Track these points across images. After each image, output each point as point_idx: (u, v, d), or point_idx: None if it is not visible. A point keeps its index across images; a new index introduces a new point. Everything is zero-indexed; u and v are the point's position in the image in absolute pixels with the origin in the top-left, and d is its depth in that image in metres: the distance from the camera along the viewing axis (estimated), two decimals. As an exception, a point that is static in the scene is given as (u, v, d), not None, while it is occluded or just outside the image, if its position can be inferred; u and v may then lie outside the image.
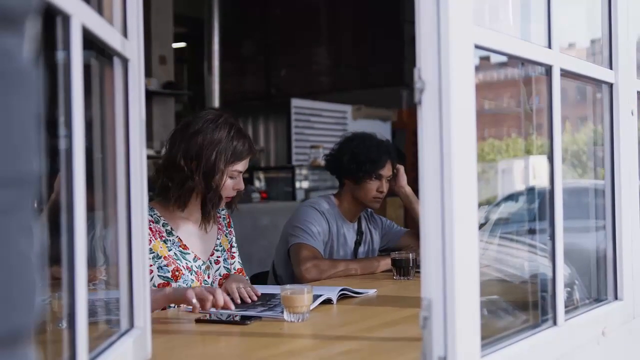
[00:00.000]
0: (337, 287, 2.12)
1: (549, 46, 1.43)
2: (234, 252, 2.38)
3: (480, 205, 1.17)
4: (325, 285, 2.35)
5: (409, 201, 2.98)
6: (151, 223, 2.14)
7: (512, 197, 2.05)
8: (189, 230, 2.23)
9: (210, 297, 1.83)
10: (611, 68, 1.73)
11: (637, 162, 1.80)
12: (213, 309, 1.89)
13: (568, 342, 1.47)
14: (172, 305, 2.10)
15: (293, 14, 8.88)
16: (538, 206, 1.64)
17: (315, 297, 1.92)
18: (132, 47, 1.28)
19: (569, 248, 1.48)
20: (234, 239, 2.40)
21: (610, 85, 1.73)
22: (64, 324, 1.01)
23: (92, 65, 1.20)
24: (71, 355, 0.92)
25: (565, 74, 1.48)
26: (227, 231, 2.37)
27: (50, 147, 0.90)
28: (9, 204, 0.57)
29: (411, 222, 3.13)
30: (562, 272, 1.44)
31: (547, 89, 1.43)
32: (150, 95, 6.61)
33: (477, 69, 1.15)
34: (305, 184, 6.81)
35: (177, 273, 2.12)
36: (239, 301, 1.96)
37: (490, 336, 1.22)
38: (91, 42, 1.05)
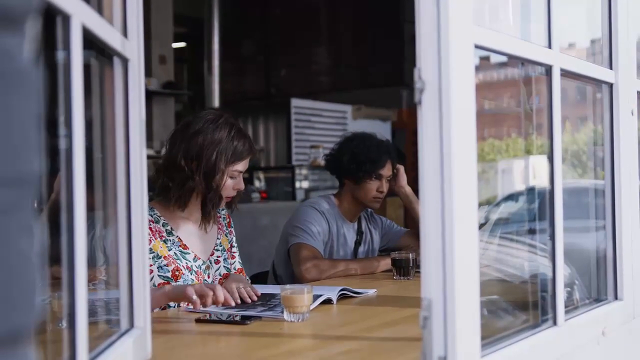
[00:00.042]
0: (337, 287, 2.12)
1: (549, 46, 1.43)
2: (234, 252, 2.38)
3: (480, 205, 1.17)
4: (325, 285, 2.35)
5: (409, 201, 2.98)
6: (151, 223, 2.14)
7: (512, 197, 2.05)
8: (189, 230, 2.23)
9: (211, 293, 1.83)
10: (611, 68, 1.73)
11: (637, 162, 1.80)
12: (213, 308, 1.90)
13: (568, 342, 1.47)
14: (172, 305, 2.10)
15: (293, 14, 8.88)
16: (538, 206, 1.64)
17: (315, 297, 1.92)
18: (132, 47, 1.28)
19: (569, 248, 1.48)
20: (234, 238, 2.40)
21: (610, 85, 1.73)
22: (64, 324, 1.01)
23: (92, 65, 1.20)
24: (71, 355, 0.92)
25: (565, 74, 1.48)
26: (227, 231, 2.37)
27: (50, 146, 0.90)
28: (9, 203, 0.57)
29: (411, 222, 3.13)
30: (562, 272, 1.44)
31: (547, 89, 1.43)
32: (150, 95, 6.61)
33: (477, 69, 1.15)
34: (305, 184, 6.81)
35: (177, 273, 2.12)
36: (239, 301, 1.96)
37: (490, 336, 1.22)
38: (91, 42, 1.05)
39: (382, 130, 6.39)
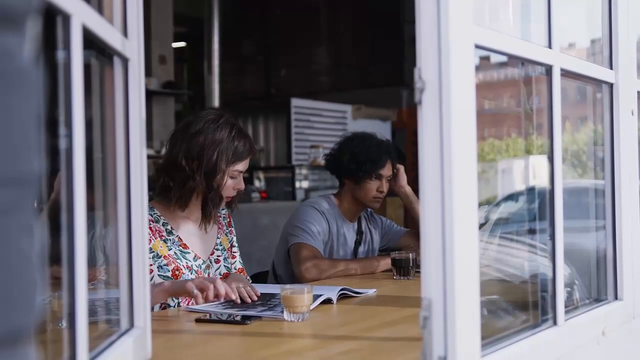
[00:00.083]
0: (337, 286, 2.12)
1: (549, 46, 1.42)
2: (235, 252, 2.38)
3: (480, 205, 1.17)
4: (325, 285, 2.35)
5: (409, 201, 2.98)
6: (151, 222, 2.14)
7: (512, 197, 2.05)
8: (189, 230, 2.23)
9: (211, 286, 1.84)
10: (611, 68, 1.73)
11: (637, 162, 1.80)
12: (213, 308, 1.90)
13: (568, 342, 1.47)
14: (173, 304, 2.10)
15: (293, 14, 8.88)
16: (538, 206, 1.64)
17: (315, 297, 1.92)
18: (132, 47, 1.28)
19: (569, 248, 1.48)
20: (234, 238, 2.40)
21: (611, 85, 1.73)
22: (64, 324, 1.01)
23: (92, 65, 1.20)
24: (71, 354, 0.92)
25: (565, 73, 1.48)
26: (227, 230, 2.38)
27: (51, 146, 0.90)
28: (9, 203, 0.57)
29: (411, 222, 3.13)
30: (562, 272, 1.44)
31: (548, 88, 1.43)
32: (150, 95, 6.62)
33: (477, 69, 1.15)
34: (305, 184, 6.81)
35: (177, 272, 2.13)
36: (238, 301, 1.96)
37: (490, 336, 1.22)
38: (91, 41, 1.05)
39: (382, 130, 6.39)
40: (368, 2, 8.47)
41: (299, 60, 8.98)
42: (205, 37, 7.46)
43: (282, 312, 1.77)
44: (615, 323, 1.67)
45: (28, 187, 0.60)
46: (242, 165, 2.20)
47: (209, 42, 7.43)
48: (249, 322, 1.75)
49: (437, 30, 1.07)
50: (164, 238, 2.16)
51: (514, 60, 1.48)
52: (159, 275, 2.10)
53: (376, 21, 8.34)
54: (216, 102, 7.40)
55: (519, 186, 2.11)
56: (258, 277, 2.94)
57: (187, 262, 2.17)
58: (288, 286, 1.82)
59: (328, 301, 2.00)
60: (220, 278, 2.26)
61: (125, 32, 1.26)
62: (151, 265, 2.09)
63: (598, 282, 1.78)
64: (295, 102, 7.38)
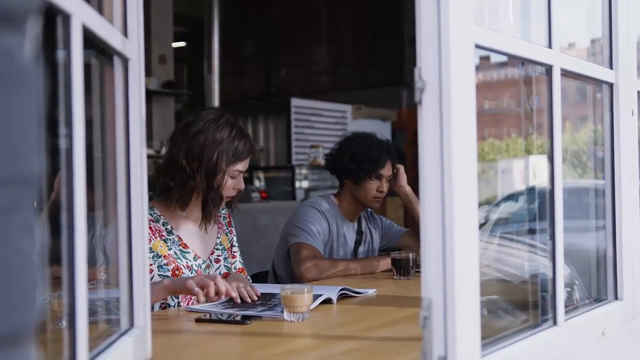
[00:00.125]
0: (337, 286, 2.12)
1: (549, 46, 1.42)
2: (235, 252, 2.38)
3: (480, 205, 1.17)
4: (325, 285, 2.35)
5: (409, 201, 2.98)
6: (151, 222, 2.14)
7: (512, 197, 2.05)
8: (189, 229, 2.23)
9: (212, 283, 1.84)
10: (611, 68, 1.73)
11: (637, 162, 1.80)
12: (213, 308, 1.90)
13: (568, 342, 1.47)
14: (173, 304, 2.10)
15: (293, 14, 8.88)
16: (538, 206, 1.64)
17: (315, 296, 1.92)
18: (132, 47, 1.28)
19: (569, 248, 1.48)
20: (234, 238, 2.40)
21: (611, 85, 1.73)
22: (64, 324, 1.01)
23: (93, 65, 1.20)
24: (71, 354, 0.92)
25: (565, 73, 1.48)
26: (227, 230, 2.38)
27: (51, 146, 0.90)
28: (9, 203, 0.57)
29: (411, 222, 3.13)
30: (562, 272, 1.44)
31: (548, 88, 1.43)
32: (150, 95, 6.61)
33: (477, 68, 1.15)
34: (305, 184, 6.81)
35: (177, 272, 2.13)
36: (238, 300, 1.96)
37: (490, 336, 1.22)
38: (91, 41, 1.05)
39: (382, 130, 6.39)
40: (368, 2, 8.47)
41: (299, 60, 8.97)
42: (205, 37, 7.46)
43: (282, 312, 1.77)
44: (615, 323, 1.67)
45: (28, 187, 0.60)
46: (242, 165, 2.21)
47: (209, 42, 7.43)
48: (249, 322, 1.75)
49: (437, 30, 1.07)
50: (164, 238, 2.16)
51: (514, 60, 1.48)
52: (158, 275, 2.10)
53: (376, 21, 8.34)
54: (216, 102, 7.40)
55: (519, 186, 2.11)
56: (258, 277, 2.94)
57: (187, 262, 2.17)
58: (288, 286, 1.82)
59: (328, 301, 2.00)
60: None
61: (125, 32, 1.26)
62: (151, 265, 2.09)
63: (598, 282, 1.78)
64: (295, 102, 7.38)
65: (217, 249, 2.30)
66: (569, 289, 1.59)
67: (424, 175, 1.08)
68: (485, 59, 1.33)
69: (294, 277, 2.66)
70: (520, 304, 1.60)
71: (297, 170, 6.79)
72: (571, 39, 1.88)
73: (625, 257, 1.73)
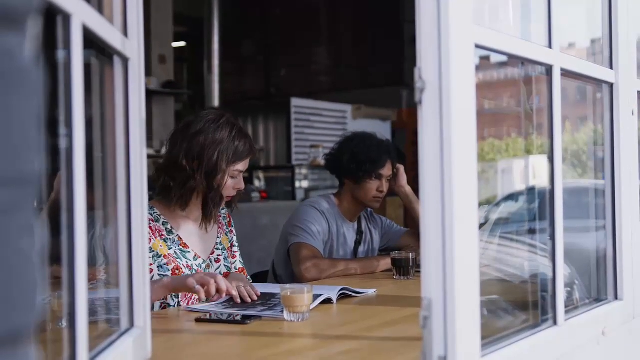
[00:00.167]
0: (337, 286, 2.12)
1: (550, 46, 1.42)
2: (235, 252, 2.38)
3: (480, 205, 1.17)
4: (325, 284, 2.35)
5: (409, 201, 2.98)
6: (151, 222, 2.14)
7: (512, 197, 2.05)
8: (189, 229, 2.23)
9: (212, 281, 1.84)
10: (611, 68, 1.73)
11: (637, 162, 1.80)
12: (213, 308, 1.90)
13: (568, 342, 1.47)
14: (173, 304, 2.10)
15: (293, 14, 8.88)
16: (538, 206, 1.64)
17: (315, 296, 1.92)
18: (133, 46, 1.27)
19: (569, 248, 1.48)
20: (235, 238, 2.40)
21: (611, 85, 1.73)
22: (64, 323, 1.01)
23: (93, 65, 1.20)
24: (71, 354, 0.92)
25: (565, 73, 1.48)
26: (227, 230, 2.38)
27: (51, 146, 0.90)
28: (9, 203, 0.57)
29: (411, 222, 3.13)
30: (562, 272, 1.44)
31: (548, 88, 1.43)
32: (150, 95, 6.61)
33: (477, 68, 1.15)
34: (305, 184, 6.81)
35: (177, 272, 2.13)
36: (238, 300, 1.96)
37: (490, 336, 1.22)
38: (91, 41, 1.05)
39: (382, 130, 6.39)
40: (368, 2, 8.47)
41: (299, 60, 8.97)
42: (205, 37, 7.46)
43: (282, 312, 1.77)
44: (615, 323, 1.67)
45: (28, 187, 0.60)
46: (242, 165, 2.21)
47: (209, 42, 7.43)
48: (249, 322, 1.75)
49: (437, 30, 1.07)
50: (164, 237, 2.16)
51: (514, 60, 1.48)
52: (158, 274, 2.10)
53: (376, 21, 8.34)
54: (216, 102, 7.40)
55: (519, 186, 2.11)
56: (258, 277, 2.94)
57: (187, 262, 2.17)
58: (288, 286, 1.82)
59: (328, 301, 2.00)
60: (220, 278, 2.26)
61: (125, 32, 1.26)
62: (151, 264, 2.09)
63: (598, 282, 1.78)
64: (295, 102, 7.38)
65: (217, 249, 2.30)
66: (569, 289, 1.59)
67: (424, 175, 1.08)
68: (485, 59, 1.33)
69: (294, 277, 2.66)
70: (520, 304, 1.60)
71: (297, 170, 6.79)
72: (571, 39, 1.88)
73: (625, 257, 1.73)
